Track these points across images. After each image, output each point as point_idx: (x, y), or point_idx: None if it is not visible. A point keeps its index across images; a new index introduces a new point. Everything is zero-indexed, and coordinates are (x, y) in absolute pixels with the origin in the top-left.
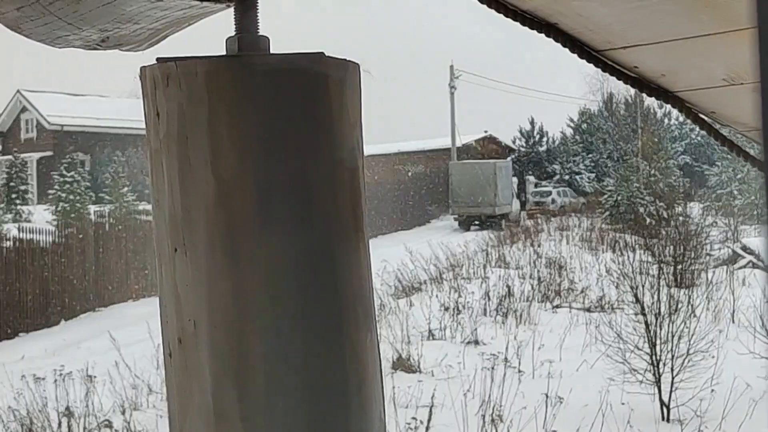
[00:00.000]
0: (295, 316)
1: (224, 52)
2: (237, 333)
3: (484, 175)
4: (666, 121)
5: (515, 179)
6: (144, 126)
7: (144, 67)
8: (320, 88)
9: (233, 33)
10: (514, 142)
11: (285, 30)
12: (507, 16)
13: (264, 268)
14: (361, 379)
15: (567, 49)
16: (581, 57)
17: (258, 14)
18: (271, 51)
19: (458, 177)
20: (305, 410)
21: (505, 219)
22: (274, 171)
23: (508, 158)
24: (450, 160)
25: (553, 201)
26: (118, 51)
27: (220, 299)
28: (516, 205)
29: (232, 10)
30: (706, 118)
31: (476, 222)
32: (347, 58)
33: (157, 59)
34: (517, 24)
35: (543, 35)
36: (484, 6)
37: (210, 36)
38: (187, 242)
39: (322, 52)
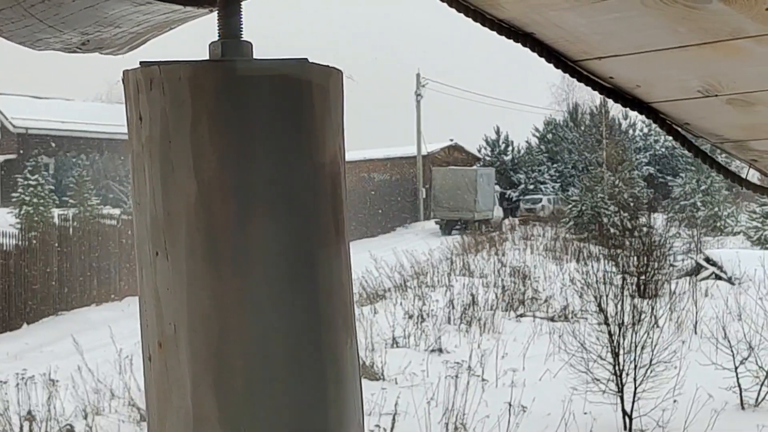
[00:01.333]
0: (275, 321)
1: (207, 57)
2: (217, 337)
3: (465, 181)
4: (631, 132)
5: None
6: (119, 132)
7: (127, 70)
8: (303, 93)
9: (216, 38)
10: (479, 151)
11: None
12: (484, 25)
13: (244, 272)
14: (340, 383)
15: (543, 59)
16: (557, 67)
17: (241, 19)
18: (254, 56)
19: (440, 182)
20: (284, 414)
21: (486, 224)
22: (256, 176)
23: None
24: (416, 168)
25: (543, 207)
26: (84, 54)
27: (201, 303)
28: (498, 211)
29: (215, 14)
30: (680, 130)
31: (457, 226)
32: (330, 65)
33: (141, 63)
34: (486, 33)
35: (519, 45)
36: (454, 13)
37: (193, 40)
38: (169, 246)
39: (306, 58)
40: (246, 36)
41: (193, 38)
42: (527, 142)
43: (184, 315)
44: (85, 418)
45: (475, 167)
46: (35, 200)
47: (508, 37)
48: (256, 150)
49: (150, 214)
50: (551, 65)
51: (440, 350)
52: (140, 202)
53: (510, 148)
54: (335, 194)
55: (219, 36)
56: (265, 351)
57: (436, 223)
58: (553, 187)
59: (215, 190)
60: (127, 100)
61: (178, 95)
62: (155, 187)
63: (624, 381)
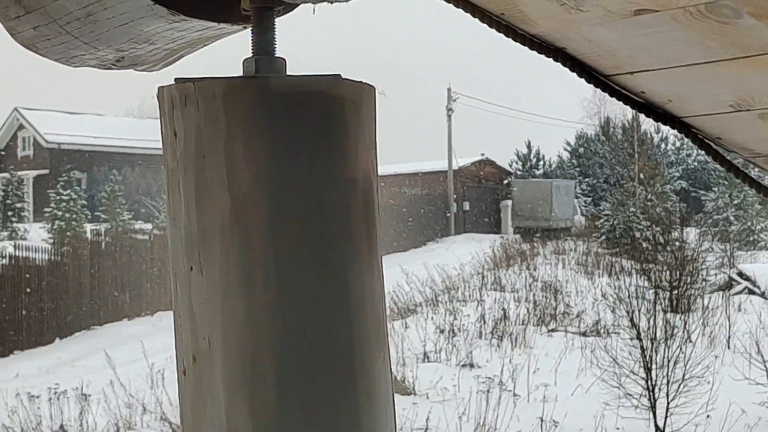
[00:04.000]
0: (309, 335)
1: (241, 73)
2: (251, 351)
3: (541, 192)
4: (663, 146)
5: (511, 202)
6: (150, 147)
7: (162, 87)
8: (336, 109)
9: (250, 54)
10: (510, 165)
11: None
12: (516, 41)
13: (278, 287)
14: (372, 398)
15: (575, 74)
16: (589, 82)
17: (275, 36)
18: (288, 72)
19: (519, 193)
20: (317, 428)
21: (565, 232)
22: (289, 191)
23: (573, 180)
24: (447, 182)
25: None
26: (118, 71)
27: (235, 318)
28: (579, 220)
29: (249, 31)
30: (712, 144)
31: (537, 234)
32: (363, 81)
33: (175, 79)
34: (518, 47)
35: (551, 60)
36: (486, 28)
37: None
38: (203, 261)
39: (339, 74)
40: (279, 52)
41: (228, 55)
42: (558, 156)
43: (218, 329)
44: None
45: (551, 179)
46: (68, 215)
47: (540, 52)
48: (290, 166)
49: (184, 229)
50: (582, 80)
51: (472, 365)
52: (175, 217)
53: (541, 163)
54: (368, 209)
55: (253, 52)
56: (299, 365)
57: (516, 231)
58: (584, 202)
59: (249, 206)
60: (162, 116)
61: (213, 111)
62: (189, 202)
63: (657, 396)
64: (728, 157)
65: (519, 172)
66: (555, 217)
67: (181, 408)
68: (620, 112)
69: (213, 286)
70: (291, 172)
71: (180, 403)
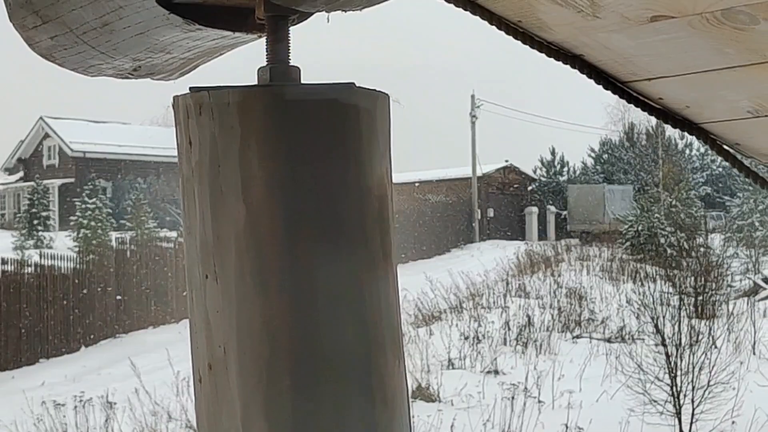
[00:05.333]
0: (324, 344)
1: (256, 82)
2: (266, 359)
3: (595, 197)
4: (687, 151)
5: (535, 208)
6: (175, 155)
7: (177, 96)
8: (350, 118)
9: (265, 63)
10: (535, 172)
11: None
12: (533, 48)
13: (292, 295)
14: (388, 405)
15: (592, 81)
16: (606, 88)
17: (289, 45)
18: (302, 81)
19: (574, 198)
20: None
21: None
22: (304, 199)
23: (628, 184)
24: (470, 189)
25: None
26: (136, 80)
27: (250, 326)
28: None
29: (263, 40)
30: (730, 150)
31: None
32: (377, 89)
33: (190, 88)
34: (539, 54)
35: (568, 66)
36: (510, 37)
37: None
38: (218, 269)
39: (353, 83)
40: (294, 61)
41: (243, 64)
42: (583, 162)
43: (234, 337)
44: None
45: (602, 184)
46: (93, 223)
47: (557, 59)
48: (304, 174)
49: (200, 237)
50: (600, 87)
51: (496, 372)
52: (190, 225)
53: (566, 169)
54: (382, 217)
55: (267, 61)
56: (314, 373)
57: (573, 235)
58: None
59: (264, 214)
60: (177, 124)
61: (227, 120)
62: (204, 210)
63: (682, 402)
64: (746, 163)
65: (543, 178)
66: (608, 220)
67: (197, 415)
68: (644, 118)
69: (228, 295)
70: (305, 180)
71: (196, 411)
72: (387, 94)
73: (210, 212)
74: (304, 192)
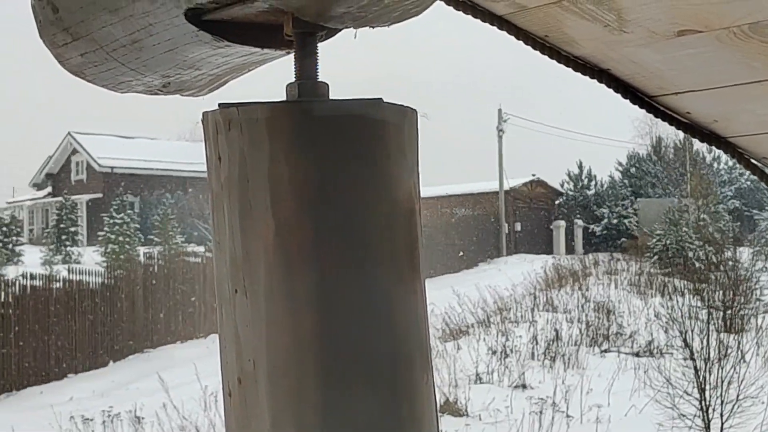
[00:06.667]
0: (352, 359)
1: (285, 98)
2: (295, 374)
3: (663, 210)
4: (715, 165)
5: (563, 222)
6: (202, 170)
7: (206, 112)
8: (378, 133)
9: (293, 79)
10: (562, 186)
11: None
12: (560, 62)
13: (321, 310)
14: (417, 421)
15: (619, 95)
16: (633, 103)
17: (317, 61)
18: (330, 96)
19: (643, 211)
20: None
21: None
22: (332, 215)
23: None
24: (497, 203)
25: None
26: (171, 96)
27: (279, 341)
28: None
29: (292, 56)
30: (758, 164)
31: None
32: (404, 104)
33: (219, 104)
34: (568, 69)
35: (595, 81)
36: (536, 52)
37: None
38: (247, 284)
39: (380, 98)
40: (322, 77)
41: (273, 80)
42: (610, 176)
43: (263, 352)
44: None
45: (673, 198)
46: (121, 238)
47: (584, 74)
48: (333, 189)
49: (229, 252)
50: (627, 101)
51: (524, 386)
52: (219, 240)
53: (593, 183)
54: (410, 231)
55: (296, 77)
56: (343, 388)
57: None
58: (636, 222)
59: (292, 229)
60: (207, 140)
61: (256, 136)
62: (234, 226)
63: (711, 417)
64: None
65: (571, 192)
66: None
67: (227, 430)
68: (672, 131)
69: (257, 309)
70: (334, 195)
71: (226, 425)
72: (414, 109)
73: (239, 227)
74: (332, 207)
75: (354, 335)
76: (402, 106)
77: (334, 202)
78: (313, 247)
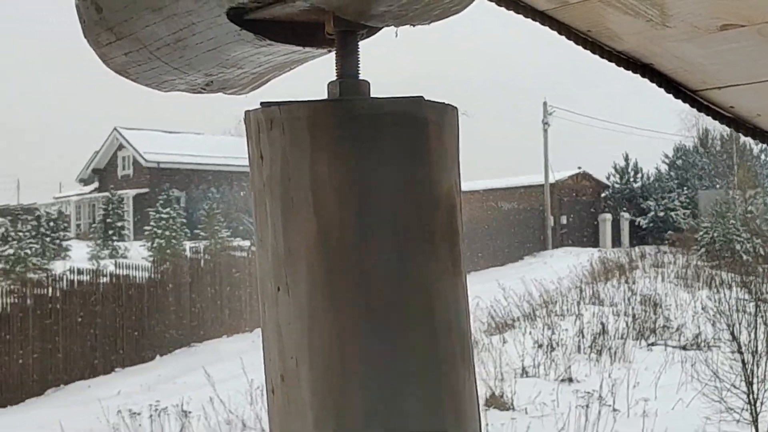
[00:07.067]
0: (394, 356)
1: (326, 97)
2: (337, 371)
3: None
4: (762, 157)
5: (609, 215)
6: (247, 165)
7: (248, 111)
8: (419, 130)
9: (335, 77)
10: (608, 178)
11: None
12: (602, 57)
13: (363, 308)
14: (459, 417)
15: (662, 90)
16: (677, 97)
17: (359, 59)
18: (372, 94)
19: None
20: None
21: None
22: (374, 213)
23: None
24: (543, 196)
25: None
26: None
27: (321, 338)
28: None
29: (333, 54)
30: None
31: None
32: (446, 102)
33: (261, 103)
34: (611, 65)
35: (638, 76)
36: (579, 47)
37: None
38: (290, 282)
39: (422, 96)
40: (363, 75)
41: (314, 78)
42: (657, 168)
43: (305, 349)
44: None
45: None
46: (167, 233)
47: (627, 68)
48: (374, 187)
49: (271, 250)
50: (670, 95)
51: (570, 380)
52: (262, 238)
53: (639, 175)
54: (451, 228)
55: (337, 76)
56: (385, 385)
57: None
58: (683, 214)
59: (334, 227)
60: (249, 139)
61: (298, 134)
62: (276, 223)
63: (759, 410)
64: None
65: (617, 185)
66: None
67: (271, 426)
68: (718, 124)
69: (300, 307)
70: (375, 193)
71: (269, 421)
72: (455, 107)
73: (281, 225)
74: (373, 205)
75: (395, 333)
76: (443, 103)
77: (376, 200)
78: (355, 246)
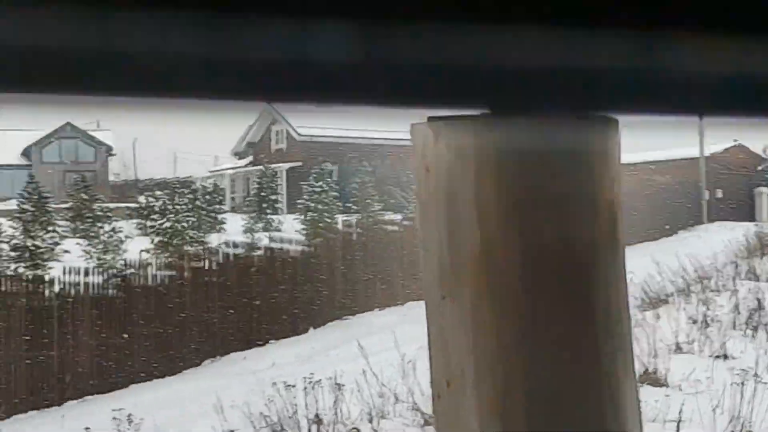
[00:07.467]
0: (557, 367)
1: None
2: (502, 382)
3: None
4: None
5: (765, 189)
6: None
7: (414, 124)
8: (582, 143)
9: None
10: (764, 152)
11: None
12: None
13: (527, 319)
14: (622, 426)
15: None
16: None
17: None
18: None
19: None
20: None
21: None
22: (538, 227)
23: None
24: (697, 170)
25: None
26: None
27: (486, 347)
28: None
29: None
30: None
31: None
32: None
33: (428, 118)
34: None
35: None
36: None
37: None
38: (454, 292)
39: (586, 110)
40: None
41: None
42: None
43: (470, 359)
44: (371, 421)
45: None
46: (320, 207)
47: None
48: (539, 200)
49: (437, 259)
50: None
51: (725, 356)
52: (427, 248)
53: None
54: (614, 237)
55: None
56: (548, 393)
57: None
58: None
59: (498, 243)
60: (415, 152)
61: (463, 150)
62: (442, 236)
63: None
64: None
65: None
66: None
67: (437, 430)
68: None
69: (464, 317)
70: (540, 206)
71: (435, 426)
72: (617, 119)
73: (447, 238)
74: (539, 219)
75: (558, 345)
76: (606, 116)
77: (540, 214)
78: (518, 261)
